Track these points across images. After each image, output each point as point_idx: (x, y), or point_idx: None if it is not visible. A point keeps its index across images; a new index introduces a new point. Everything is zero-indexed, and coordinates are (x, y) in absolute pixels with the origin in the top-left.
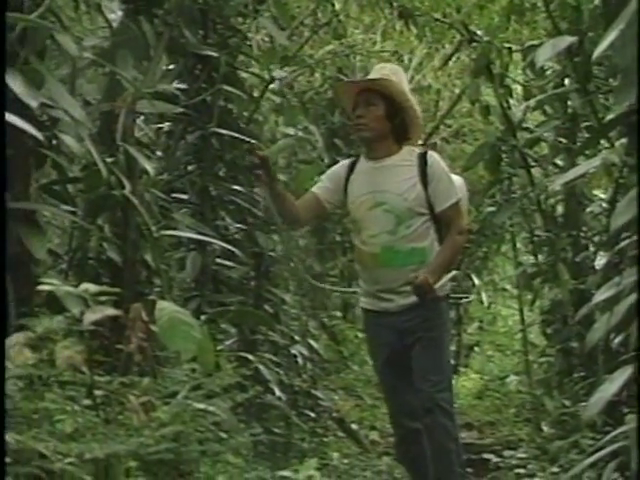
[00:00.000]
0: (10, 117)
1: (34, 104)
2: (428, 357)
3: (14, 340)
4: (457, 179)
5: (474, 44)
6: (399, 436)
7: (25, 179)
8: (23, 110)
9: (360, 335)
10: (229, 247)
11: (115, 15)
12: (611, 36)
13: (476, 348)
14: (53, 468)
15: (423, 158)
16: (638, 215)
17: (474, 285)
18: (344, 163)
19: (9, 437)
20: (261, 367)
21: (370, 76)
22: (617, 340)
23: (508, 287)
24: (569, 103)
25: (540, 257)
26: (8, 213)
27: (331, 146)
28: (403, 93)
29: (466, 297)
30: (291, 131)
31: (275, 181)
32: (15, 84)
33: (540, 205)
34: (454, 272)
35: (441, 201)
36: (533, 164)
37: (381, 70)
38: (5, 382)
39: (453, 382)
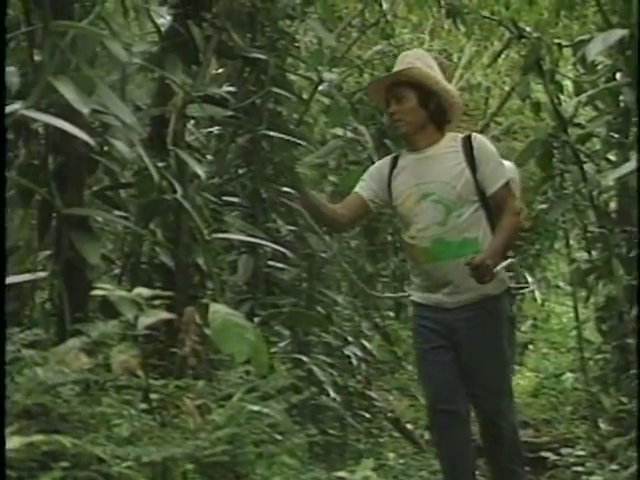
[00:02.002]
0: (62, 123)
1: (85, 110)
2: (487, 364)
3: (70, 345)
4: (507, 163)
5: (523, 40)
6: (435, 421)
7: (78, 185)
8: (74, 116)
9: None
10: (281, 249)
11: (164, 20)
12: None
13: (530, 346)
14: (111, 472)
15: (468, 141)
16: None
17: (527, 282)
18: (385, 160)
19: (67, 442)
20: (315, 368)
21: (395, 68)
22: None
23: (561, 284)
24: (621, 97)
25: (594, 253)
26: (63, 220)
27: (381, 146)
28: (430, 77)
29: (527, 287)
30: (341, 132)
31: (306, 194)
32: (66, 91)
33: (593, 201)
34: (511, 259)
35: (492, 183)
36: (585, 160)
37: (404, 59)
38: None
39: None
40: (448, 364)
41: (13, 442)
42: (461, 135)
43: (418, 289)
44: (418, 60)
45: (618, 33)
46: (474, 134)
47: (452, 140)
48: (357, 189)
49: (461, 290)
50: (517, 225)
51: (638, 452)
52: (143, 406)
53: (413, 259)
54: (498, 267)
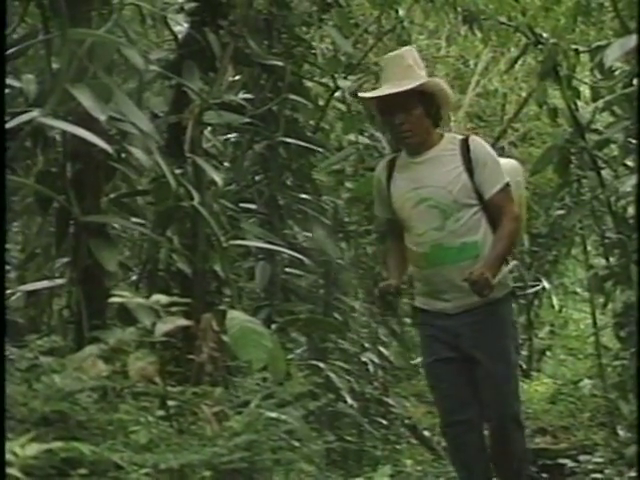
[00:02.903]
0: (80, 131)
1: (103, 117)
2: (494, 368)
3: (87, 352)
4: (514, 163)
5: (540, 46)
6: (449, 432)
7: (95, 192)
8: (92, 124)
9: None
10: (298, 256)
11: (181, 27)
12: None
13: (548, 352)
14: (129, 479)
15: (465, 144)
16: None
17: (544, 289)
18: (382, 165)
19: (85, 449)
20: (332, 375)
21: (397, 75)
22: None
23: (579, 290)
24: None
25: (612, 259)
26: (81, 227)
27: (397, 153)
28: (438, 84)
29: (537, 286)
30: (357, 138)
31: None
32: (84, 98)
33: (611, 207)
34: (512, 263)
35: (489, 187)
36: (603, 166)
37: (400, 62)
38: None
39: (526, 387)
40: (455, 376)
41: (31, 449)
42: (459, 137)
43: (420, 295)
44: (415, 65)
45: (635, 39)
46: (472, 136)
47: (450, 142)
48: (380, 214)
49: (463, 295)
50: (516, 231)
51: (638, 453)
52: (160, 413)
53: (414, 264)
54: (498, 276)
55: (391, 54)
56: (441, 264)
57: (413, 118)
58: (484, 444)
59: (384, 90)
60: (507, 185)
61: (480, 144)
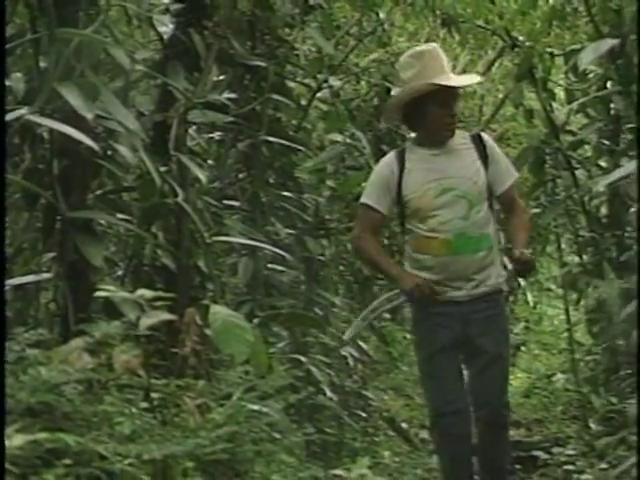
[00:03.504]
0: (67, 129)
1: (89, 116)
2: (499, 355)
3: (73, 345)
4: None
5: (516, 49)
6: (442, 422)
7: (82, 189)
8: (79, 122)
9: (409, 336)
10: (280, 252)
11: (166, 28)
12: None
13: (523, 347)
14: (113, 469)
15: (479, 139)
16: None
17: (520, 285)
18: (390, 160)
19: (70, 439)
20: (313, 369)
21: (449, 69)
22: None
23: (553, 287)
24: (612, 105)
25: (585, 257)
26: (67, 223)
27: (378, 152)
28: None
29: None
30: (339, 138)
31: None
32: (71, 97)
33: (584, 206)
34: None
35: (504, 180)
36: (577, 166)
37: (444, 58)
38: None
39: None
40: (455, 365)
41: (17, 440)
42: (468, 133)
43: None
44: (447, 64)
45: (609, 43)
46: (483, 133)
47: (462, 137)
48: (377, 206)
49: (477, 283)
50: (532, 222)
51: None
52: (144, 405)
53: (429, 252)
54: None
55: (426, 48)
56: (463, 252)
57: (458, 110)
58: (472, 436)
59: (461, 81)
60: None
61: (491, 140)
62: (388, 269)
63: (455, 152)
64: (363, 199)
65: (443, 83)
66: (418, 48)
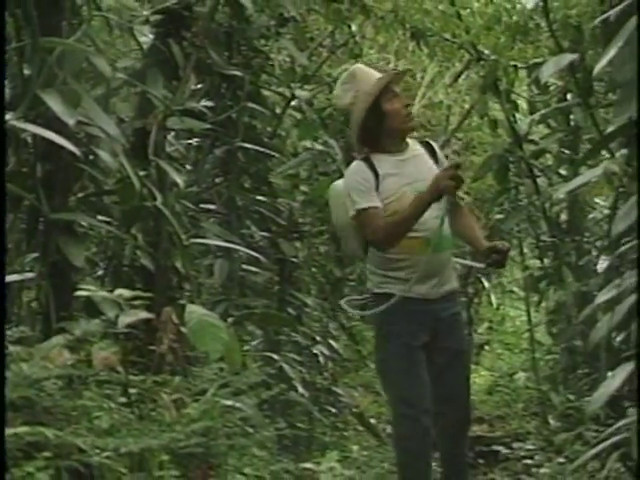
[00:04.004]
0: (49, 134)
1: (71, 122)
2: (465, 352)
3: (54, 342)
4: None
5: (482, 62)
6: (416, 419)
7: (64, 192)
8: (61, 127)
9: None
10: (254, 254)
11: (146, 38)
12: (610, 53)
13: (486, 347)
14: (91, 462)
15: (429, 145)
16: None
17: (484, 287)
18: (363, 168)
19: (50, 433)
20: (285, 366)
21: (376, 72)
22: (618, 338)
23: (515, 289)
24: (572, 116)
25: (545, 261)
26: (50, 224)
27: (349, 159)
28: None
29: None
30: (311, 145)
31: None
32: (54, 103)
33: (545, 212)
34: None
35: None
36: (538, 174)
37: (365, 68)
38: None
39: None
40: (424, 362)
41: None
42: (417, 140)
43: (402, 282)
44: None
45: (569, 57)
46: (431, 140)
47: (415, 144)
48: (376, 204)
49: (444, 281)
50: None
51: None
52: (122, 400)
53: (409, 251)
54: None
55: (352, 68)
56: (438, 250)
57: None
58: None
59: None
60: None
61: (437, 146)
62: (414, 208)
63: (416, 158)
64: (359, 206)
65: (388, 73)
66: (344, 74)
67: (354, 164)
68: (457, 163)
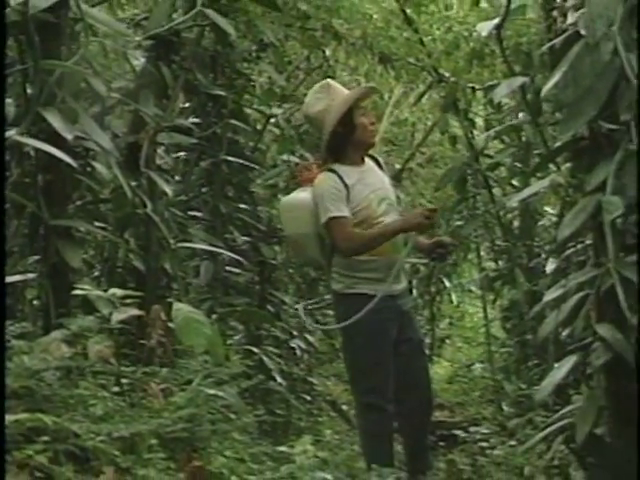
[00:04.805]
0: (49, 148)
1: (70, 137)
2: (422, 345)
3: (53, 337)
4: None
5: (443, 84)
6: (384, 408)
7: (63, 200)
8: (61, 142)
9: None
10: (236, 257)
11: (138, 61)
12: (556, 77)
13: (447, 340)
14: (86, 445)
15: (375, 159)
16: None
17: (445, 287)
18: (334, 179)
19: (48, 419)
20: (264, 358)
21: (349, 92)
22: (564, 333)
23: (473, 289)
24: (523, 133)
25: (500, 263)
26: (50, 230)
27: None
28: None
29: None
30: (289, 158)
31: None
32: (54, 120)
33: (500, 219)
34: None
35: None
36: (493, 185)
37: (334, 85)
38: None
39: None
40: (392, 355)
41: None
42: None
43: (372, 281)
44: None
45: (520, 80)
46: (373, 154)
47: (366, 158)
48: (346, 214)
49: (402, 279)
50: None
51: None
52: (115, 389)
53: (378, 254)
54: None
55: (324, 82)
56: (399, 251)
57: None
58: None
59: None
60: None
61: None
62: (385, 232)
63: (372, 169)
64: (331, 214)
65: (360, 88)
66: (317, 85)
67: (324, 175)
68: (435, 208)
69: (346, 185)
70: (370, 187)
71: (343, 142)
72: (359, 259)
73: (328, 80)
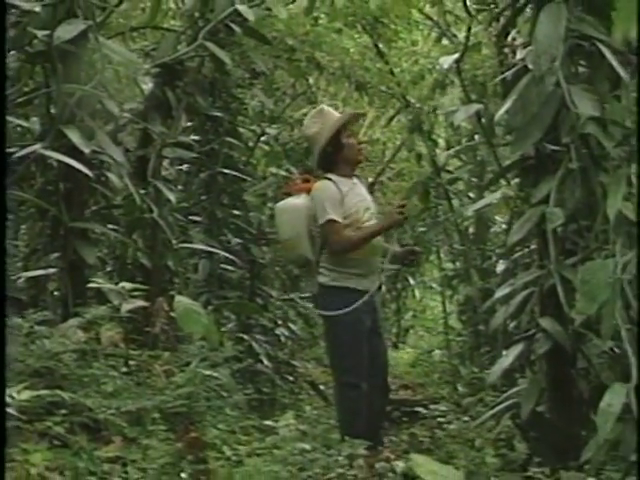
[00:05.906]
0: (69, 160)
1: (87, 151)
2: (384, 341)
3: (70, 324)
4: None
5: (409, 109)
6: (361, 387)
7: (81, 206)
8: (79, 155)
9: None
10: (230, 256)
11: (147, 86)
12: (507, 105)
13: (411, 330)
14: (98, 418)
15: (358, 177)
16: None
17: (410, 284)
18: (333, 187)
19: (65, 395)
20: (253, 344)
21: (335, 116)
22: (512, 325)
23: (434, 286)
24: (478, 152)
25: (457, 264)
26: (69, 231)
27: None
28: None
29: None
30: (277, 171)
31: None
32: (73, 136)
33: (458, 226)
34: None
35: None
36: (453, 196)
37: (327, 110)
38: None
39: (395, 355)
40: (366, 343)
41: (25, 394)
42: None
43: (357, 277)
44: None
45: (476, 106)
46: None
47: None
48: (340, 219)
49: (378, 277)
50: None
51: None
52: (124, 369)
53: (364, 254)
54: None
55: (319, 107)
56: (378, 252)
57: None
58: None
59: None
60: None
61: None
62: (374, 229)
63: (360, 183)
64: (330, 216)
65: (348, 113)
66: (314, 110)
67: (323, 182)
68: (403, 204)
69: (341, 192)
70: (359, 197)
71: (333, 158)
72: (349, 256)
73: (323, 106)
